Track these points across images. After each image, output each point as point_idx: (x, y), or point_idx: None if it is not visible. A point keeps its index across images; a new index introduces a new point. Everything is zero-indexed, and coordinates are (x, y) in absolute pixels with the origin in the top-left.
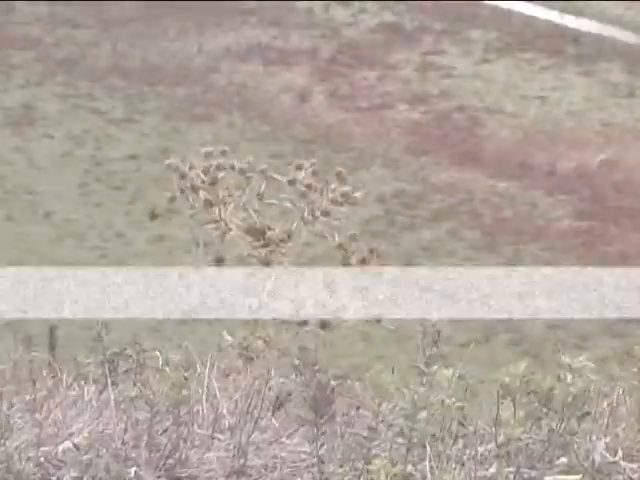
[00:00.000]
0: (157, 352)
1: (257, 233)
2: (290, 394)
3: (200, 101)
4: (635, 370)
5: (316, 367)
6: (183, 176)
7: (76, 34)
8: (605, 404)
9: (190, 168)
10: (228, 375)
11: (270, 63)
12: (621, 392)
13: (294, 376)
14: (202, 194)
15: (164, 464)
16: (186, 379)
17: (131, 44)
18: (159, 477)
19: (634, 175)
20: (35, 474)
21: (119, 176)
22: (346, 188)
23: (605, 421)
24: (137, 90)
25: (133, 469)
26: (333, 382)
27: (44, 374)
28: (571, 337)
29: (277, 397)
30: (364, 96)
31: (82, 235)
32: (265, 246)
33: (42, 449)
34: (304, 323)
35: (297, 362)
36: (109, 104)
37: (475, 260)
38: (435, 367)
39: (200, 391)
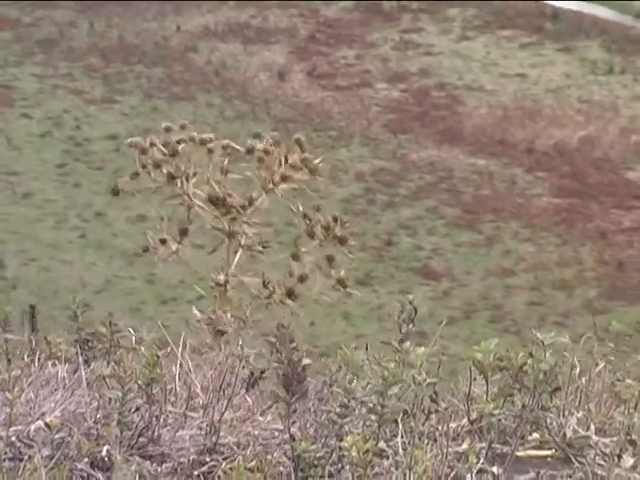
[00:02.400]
0: (130, 331)
1: (218, 203)
2: (263, 372)
3: (179, 80)
4: (612, 346)
5: (290, 345)
6: (144, 151)
7: (54, 14)
8: (582, 380)
9: (151, 145)
10: (202, 353)
11: (249, 42)
12: (596, 368)
13: (268, 353)
14: (165, 168)
15: (136, 442)
16: (159, 357)
17: (109, 24)
18: (131, 455)
19: (613, 152)
20: (6, 453)
21: (99, 156)
22: (306, 155)
23: (578, 397)
24: (116, 70)
25: (105, 447)
26: (306, 360)
27: (18, 353)
28: (552, 314)
29: (251, 374)
30: (343, 75)
31: (62, 215)
32: (226, 214)
33: (13, 428)
34: (271, 294)
35: (272, 339)
36: (88, 84)
37: (455, 237)
38: (408, 344)
39: (173, 369)
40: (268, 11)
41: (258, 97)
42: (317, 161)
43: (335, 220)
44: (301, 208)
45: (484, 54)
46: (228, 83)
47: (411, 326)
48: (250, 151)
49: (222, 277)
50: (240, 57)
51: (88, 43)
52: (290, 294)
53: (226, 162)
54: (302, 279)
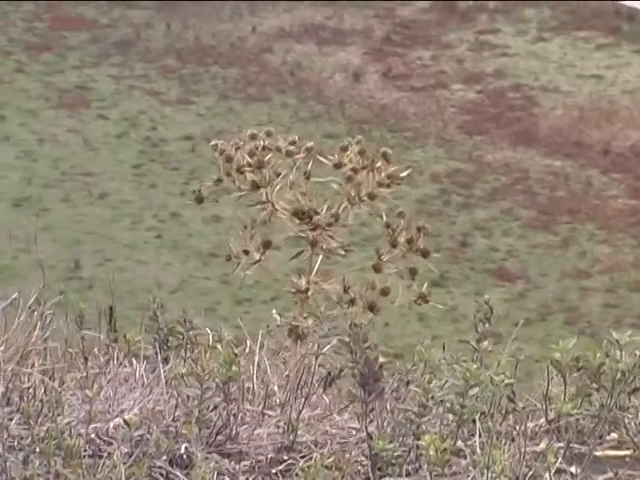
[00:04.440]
0: (208, 330)
1: (304, 216)
2: (341, 371)
3: (254, 81)
4: None
5: (366, 344)
6: (229, 159)
7: (131, 15)
8: None
9: (236, 149)
10: (278, 353)
11: (324, 43)
12: None
13: (344, 353)
14: (249, 176)
15: (214, 440)
16: (236, 356)
17: (185, 25)
18: (209, 453)
19: None
20: (86, 450)
21: (174, 157)
22: (392, 169)
23: None
24: (192, 71)
25: (183, 445)
26: (382, 358)
27: (96, 352)
28: (628, 316)
29: (328, 373)
30: (418, 76)
31: (137, 215)
32: (312, 230)
33: (93, 425)
34: (352, 303)
35: (347, 339)
36: (164, 85)
37: (530, 238)
38: (485, 343)
39: (251, 368)
40: (344, 12)
41: (333, 98)
42: (404, 174)
43: (419, 230)
44: (384, 216)
45: (560, 55)
46: (303, 84)
47: (487, 326)
48: (338, 166)
49: (303, 283)
50: (315, 58)
51: (164, 44)
52: (372, 308)
53: (310, 166)
54: (384, 293)
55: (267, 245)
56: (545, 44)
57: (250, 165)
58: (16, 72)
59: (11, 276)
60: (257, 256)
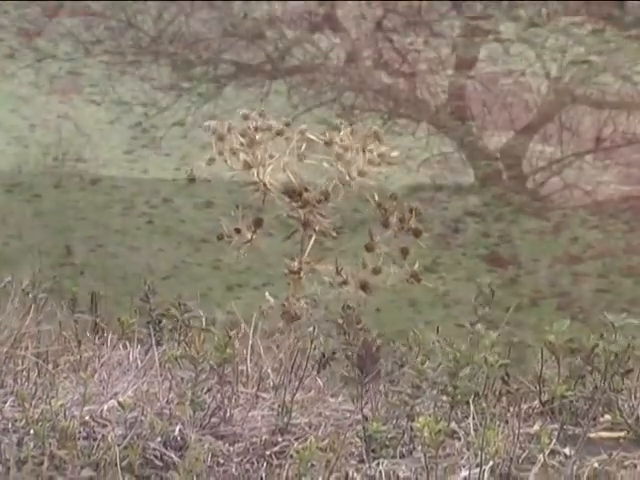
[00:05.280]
0: (201, 313)
1: (294, 194)
2: (335, 353)
3: (246, 67)
4: None
5: (360, 325)
6: (221, 138)
7: (123, 2)
8: None
9: (229, 130)
10: (272, 335)
11: (316, 29)
12: None
13: (338, 335)
14: (241, 156)
15: (208, 422)
16: (230, 338)
17: (177, 11)
18: (203, 435)
19: None
20: (80, 432)
21: (166, 143)
22: (383, 149)
23: None
24: (183, 57)
25: (177, 427)
26: (378, 340)
27: (89, 335)
28: (619, 301)
29: (323, 355)
30: (410, 61)
31: (129, 201)
32: (302, 207)
33: (87, 408)
34: (344, 283)
35: (341, 321)
36: (155, 71)
37: (522, 224)
38: (479, 325)
39: (244, 351)
40: None
41: (325, 84)
42: (394, 154)
43: (410, 211)
44: (376, 197)
45: (552, 41)
46: (295, 70)
47: (487, 309)
48: (328, 143)
49: (296, 264)
50: (307, 44)
51: (157, 30)
52: (364, 287)
53: (303, 148)
54: (376, 272)
55: (258, 223)
56: (536, 30)
57: (242, 145)
58: (7, 58)
59: (2, 262)
60: (248, 235)
